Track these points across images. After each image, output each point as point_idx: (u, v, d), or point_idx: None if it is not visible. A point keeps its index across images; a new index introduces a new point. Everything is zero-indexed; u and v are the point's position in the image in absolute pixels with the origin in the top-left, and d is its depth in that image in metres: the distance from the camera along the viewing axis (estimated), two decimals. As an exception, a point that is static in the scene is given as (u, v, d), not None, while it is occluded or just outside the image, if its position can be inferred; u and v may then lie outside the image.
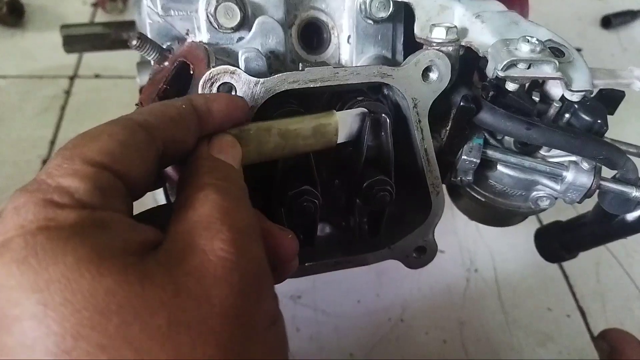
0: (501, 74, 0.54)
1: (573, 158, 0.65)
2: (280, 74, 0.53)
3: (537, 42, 0.54)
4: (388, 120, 0.58)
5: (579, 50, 0.61)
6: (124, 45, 1.08)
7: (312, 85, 0.55)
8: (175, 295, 0.32)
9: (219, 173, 0.42)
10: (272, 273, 0.44)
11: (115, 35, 1.07)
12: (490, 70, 0.56)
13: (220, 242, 0.35)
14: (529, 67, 0.54)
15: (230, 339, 0.33)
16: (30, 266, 0.31)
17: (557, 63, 0.54)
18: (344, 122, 0.56)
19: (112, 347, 0.30)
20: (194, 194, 0.39)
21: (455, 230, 1.29)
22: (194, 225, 0.37)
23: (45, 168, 0.36)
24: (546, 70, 0.55)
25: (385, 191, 0.60)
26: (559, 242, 0.82)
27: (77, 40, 1.08)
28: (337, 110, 0.56)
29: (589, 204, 0.72)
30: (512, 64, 0.54)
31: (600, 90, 0.65)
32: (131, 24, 1.09)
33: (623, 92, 0.66)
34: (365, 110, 0.58)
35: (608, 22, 1.93)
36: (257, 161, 0.52)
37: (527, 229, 0.91)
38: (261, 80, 0.52)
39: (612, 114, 0.66)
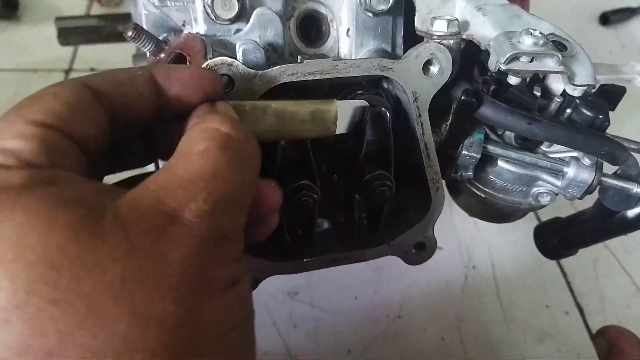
0: (503, 67, 0.53)
1: (574, 154, 0.64)
2: (278, 66, 0.52)
3: (540, 35, 0.53)
4: (388, 114, 0.58)
5: (577, 43, 0.61)
6: (119, 38, 1.07)
7: (311, 78, 0.54)
8: (129, 252, 0.32)
9: (230, 126, 0.41)
10: (253, 227, 0.45)
11: (110, 28, 1.06)
12: (493, 64, 0.55)
13: (189, 212, 0.35)
14: (531, 61, 0.54)
15: (187, 295, 0.33)
16: None
17: (560, 57, 0.53)
18: (344, 111, 0.55)
19: (65, 301, 0.30)
20: (194, 144, 0.39)
21: (453, 227, 1.29)
22: (174, 181, 0.36)
23: None
24: (549, 63, 0.54)
25: (385, 186, 0.59)
26: (558, 239, 0.81)
27: (72, 32, 1.07)
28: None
29: (588, 201, 0.72)
30: (514, 57, 0.53)
31: (602, 85, 0.64)
32: (127, 17, 1.08)
33: (624, 87, 0.66)
34: (367, 103, 0.57)
35: (606, 19, 1.92)
36: None
37: (525, 225, 0.91)
38: (259, 72, 0.52)
39: (612, 109, 0.65)
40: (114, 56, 1.54)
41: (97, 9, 1.79)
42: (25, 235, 0.30)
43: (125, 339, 0.30)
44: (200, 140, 0.39)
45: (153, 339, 0.31)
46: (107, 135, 0.41)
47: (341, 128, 0.55)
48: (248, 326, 0.40)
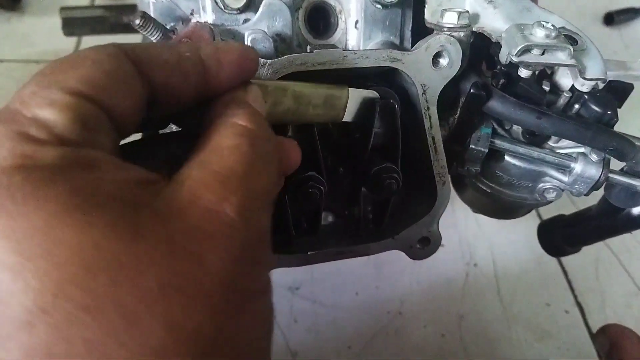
0: (515, 59, 0.53)
1: (582, 149, 0.64)
2: (288, 56, 0.52)
3: (552, 28, 0.53)
4: (397, 106, 0.57)
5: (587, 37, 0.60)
6: (124, 29, 1.06)
7: (320, 68, 0.53)
8: (168, 255, 0.29)
9: (257, 123, 0.38)
10: None
11: (115, 18, 1.05)
12: (504, 56, 0.55)
13: (230, 207, 0.32)
14: (543, 53, 0.53)
15: (222, 305, 0.30)
16: (6, 211, 0.27)
17: (572, 50, 0.53)
18: (354, 99, 0.55)
19: (97, 309, 0.27)
20: (224, 139, 0.36)
21: (455, 224, 1.29)
22: (211, 176, 0.34)
23: (18, 95, 0.32)
24: (561, 56, 0.54)
25: (392, 179, 0.59)
26: (562, 236, 0.81)
27: (76, 23, 1.06)
28: None
29: (591, 199, 0.72)
30: (526, 49, 0.53)
31: (609, 82, 0.64)
32: (132, 8, 1.07)
33: (632, 84, 0.65)
34: (377, 94, 0.56)
35: (611, 19, 1.92)
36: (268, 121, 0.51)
37: (527, 223, 0.91)
38: (269, 61, 0.51)
39: (620, 106, 0.65)
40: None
41: (101, 1, 1.78)
42: (58, 229, 0.27)
43: (158, 352, 0.27)
44: (231, 136, 0.37)
45: (188, 353, 0.28)
46: (142, 113, 0.37)
47: (348, 116, 0.55)
48: (271, 335, 0.37)
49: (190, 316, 0.29)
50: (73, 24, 1.06)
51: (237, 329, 0.31)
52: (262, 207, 0.36)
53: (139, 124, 0.38)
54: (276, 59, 0.51)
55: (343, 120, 0.55)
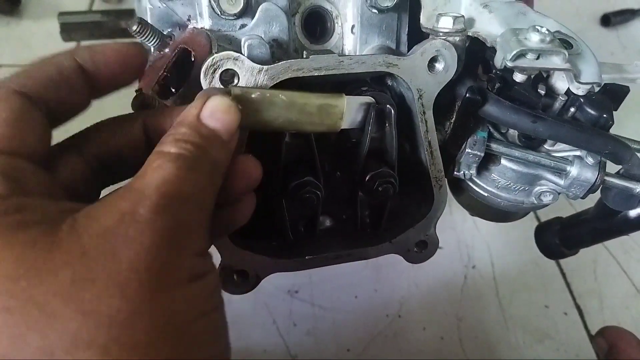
0: (510, 64, 0.53)
1: (577, 153, 0.64)
2: (284, 62, 0.52)
3: (547, 32, 0.53)
4: (393, 111, 0.58)
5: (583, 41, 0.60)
6: (122, 34, 1.07)
7: (316, 74, 0.54)
8: (80, 255, 0.33)
9: (192, 142, 0.41)
10: (228, 212, 0.47)
11: (113, 23, 1.05)
12: (499, 61, 0.55)
13: (143, 207, 0.36)
14: (538, 58, 0.53)
15: (138, 291, 0.34)
16: None
17: (567, 54, 0.53)
18: (351, 108, 0.55)
19: (18, 308, 0.32)
20: (151, 161, 0.40)
21: (453, 226, 1.29)
22: (129, 191, 0.37)
23: None
24: (555, 61, 0.54)
25: (388, 184, 0.59)
26: (559, 238, 0.81)
27: (75, 28, 1.07)
28: None
29: (588, 201, 0.72)
30: (521, 54, 0.53)
31: (605, 85, 0.64)
32: (130, 13, 1.07)
33: (628, 87, 0.65)
34: (373, 100, 0.57)
35: (607, 20, 1.92)
36: (254, 129, 0.51)
37: (525, 225, 0.91)
38: (265, 67, 0.51)
39: (616, 109, 0.65)
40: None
41: (100, 4, 1.78)
42: None
43: (75, 338, 0.32)
44: (155, 160, 0.40)
45: (103, 335, 0.32)
46: (49, 134, 0.42)
47: (346, 124, 0.55)
48: (216, 317, 0.41)
49: (103, 302, 0.33)
50: (71, 29, 1.07)
51: (159, 312, 0.35)
52: (185, 206, 0.39)
53: (48, 142, 0.43)
54: (272, 65, 0.52)
55: (342, 128, 0.55)
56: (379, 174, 0.59)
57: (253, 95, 0.48)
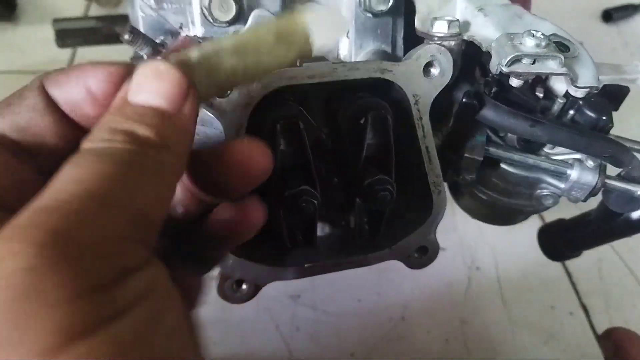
0: (505, 69, 0.53)
1: (578, 156, 0.64)
2: (277, 70, 0.52)
3: (542, 37, 0.52)
4: (389, 117, 0.57)
5: (580, 44, 0.60)
6: (117, 39, 1.06)
7: (310, 81, 0.53)
8: None
9: (115, 131, 0.32)
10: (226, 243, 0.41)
11: (108, 29, 1.05)
12: (494, 66, 0.54)
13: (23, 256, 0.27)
14: (533, 63, 0.53)
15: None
16: None
17: (563, 58, 0.53)
18: (316, 23, 0.43)
19: None
20: (61, 173, 0.30)
21: (456, 227, 1.28)
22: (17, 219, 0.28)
23: None
24: (551, 65, 0.53)
25: (385, 190, 0.58)
26: (562, 240, 0.80)
27: (69, 35, 1.07)
28: (335, 109, 0.54)
29: (592, 202, 0.71)
30: (516, 59, 0.52)
31: (604, 85, 0.63)
32: (125, 18, 1.07)
33: (627, 87, 0.65)
34: (342, 16, 0.50)
35: (609, 16, 1.91)
36: (215, 94, 0.44)
37: (529, 226, 0.90)
38: (257, 76, 0.51)
39: (616, 110, 0.65)
40: (112, 57, 1.53)
41: (95, 10, 1.78)
42: None
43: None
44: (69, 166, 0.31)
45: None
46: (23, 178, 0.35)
47: (318, 47, 0.43)
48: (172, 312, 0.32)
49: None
50: (66, 36, 1.06)
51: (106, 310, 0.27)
52: (57, 253, 0.28)
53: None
54: (265, 74, 0.51)
55: (319, 50, 0.44)
56: (377, 181, 0.58)
57: (193, 61, 0.38)
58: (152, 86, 0.33)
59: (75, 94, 0.36)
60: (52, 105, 0.36)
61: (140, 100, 0.33)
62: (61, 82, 0.36)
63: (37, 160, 0.36)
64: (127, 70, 0.36)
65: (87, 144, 0.32)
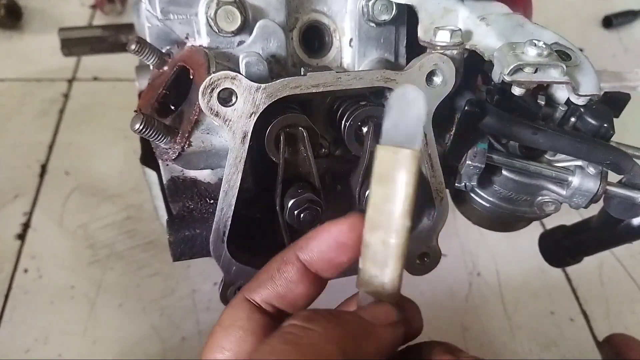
0: (507, 78, 0.53)
1: (579, 163, 0.64)
2: (282, 79, 0.52)
3: (543, 46, 0.53)
4: (391, 125, 0.57)
5: (580, 50, 0.60)
6: (122, 48, 1.07)
7: (314, 90, 0.54)
8: None
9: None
10: None
11: (113, 38, 1.06)
12: (497, 75, 0.55)
13: None
14: (535, 71, 0.53)
15: None
16: None
17: (565, 67, 0.53)
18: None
19: None
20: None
21: (457, 233, 1.28)
22: None
23: None
24: (553, 74, 0.54)
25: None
26: (563, 247, 0.81)
27: (75, 43, 1.07)
28: (338, 113, 0.54)
29: (594, 209, 0.71)
30: (518, 68, 0.53)
31: (606, 92, 0.64)
32: (130, 27, 1.08)
33: (628, 94, 0.65)
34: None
35: (609, 22, 1.92)
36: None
37: (530, 232, 0.90)
38: (262, 85, 0.51)
39: (617, 116, 0.65)
40: (117, 66, 1.55)
41: (100, 19, 1.79)
42: None
43: None
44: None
45: None
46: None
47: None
48: None
49: None
50: (71, 45, 1.07)
51: None
52: None
53: None
54: (270, 83, 0.52)
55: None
56: (379, 188, 0.59)
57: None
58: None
59: (324, 247, 0.43)
60: (305, 275, 0.43)
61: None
62: (311, 247, 0.43)
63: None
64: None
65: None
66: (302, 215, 0.56)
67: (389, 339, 0.40)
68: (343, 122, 0.59)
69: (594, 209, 0.73)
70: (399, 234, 0.39)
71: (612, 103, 0.64)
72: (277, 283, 0.43)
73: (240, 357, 0.41)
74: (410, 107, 0.37)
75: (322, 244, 0.43)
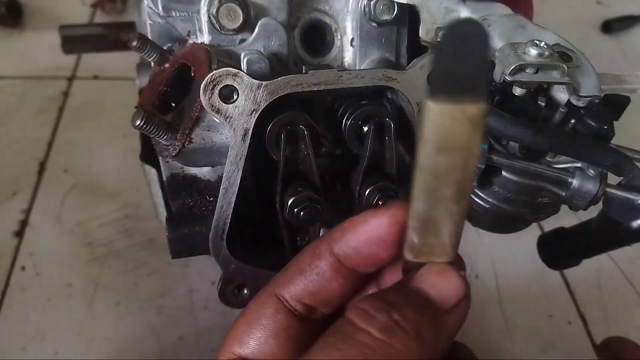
0: (509, 78, 0.53)
1: (579, 164, 0.64)
2: (283, 77, 0.52)
3: (545, 47, 0.53)
4: (392, 125, 0.58)
5: (582, 54, 0.60)
6: (123, 46, 1.07)
7: (315, 89, 0.54)
8: None
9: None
10: None
11: (114, 36, 1.06)
12: (498, 75, 0.55)
13: None
14: (536, 72, 0.53)
15: None
16: None
17: (566, 68, 0.53)
18: None
19: None
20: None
21: (455, 236, 1.28)
22: None
23: None
24: (554, 75, 0.54)
25: (388, 197, 0.59)
26: (562, 249, 0.81)
27: (75, 41, 1.07)
28: (339, 112, 0.54)
29: (592, 211, 0.71)
30: (520, 69, 0.53)
31: (606, 95, 0.64)
32: (130, 25, 1.08)
33: (628, 97, 0.65)
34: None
35: (609, 27, 1.92)
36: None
37: (529, 235, 0.90)
38: (264, 83, 0.51)
39: (617, 119, 0.65)
40: (117, 65, 1.54)
41: (100, 17, 1.79)
42: None
43: None
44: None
45: None
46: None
47: None
48: None
49: None
50: (72, 42, 1.07)
51: None
52: None
53: None
54: (271, 81, 0.52)
55: None
56: (379, 188, 0.59)
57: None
58: (435, 282, 0.36)
59: (360, 243, 0.38)
60: (339, 271, 0.39)
61: (417, 286, 0.35)
62: (346, 240, 0.38)
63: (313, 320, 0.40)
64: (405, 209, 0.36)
65: (352, 315, 0.33)
66: (301, 213, 0.56)
67: (459, 323, 0.37)
68: (344, 121, 0.59)
69: (593, 212, 0.73)
70: (460, 203, 0.34)
71: (612, 106, 0.64)
72: (309, 279, 0.39)
73: (260, 357, 0.38)
74: (470, 45, 0.28)
75: (357, 238, 0.38)
